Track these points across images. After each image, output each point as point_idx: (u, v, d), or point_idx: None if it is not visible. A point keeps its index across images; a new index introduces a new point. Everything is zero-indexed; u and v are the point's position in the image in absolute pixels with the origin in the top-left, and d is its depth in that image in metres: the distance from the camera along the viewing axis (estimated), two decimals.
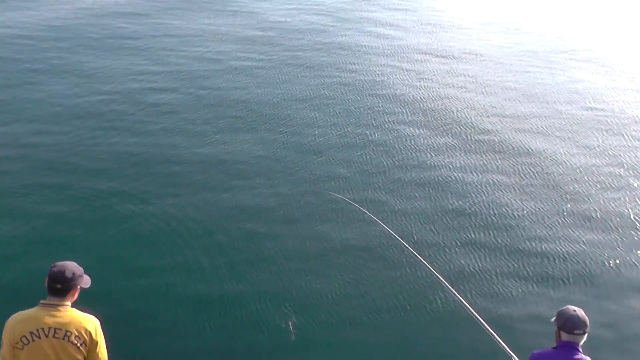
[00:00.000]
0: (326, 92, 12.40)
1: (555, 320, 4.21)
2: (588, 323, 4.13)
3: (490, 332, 4.53)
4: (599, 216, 8.94)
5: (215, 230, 8.32)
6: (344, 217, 8.62)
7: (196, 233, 8.24)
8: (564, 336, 4.14)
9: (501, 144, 10.78)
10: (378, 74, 13.36)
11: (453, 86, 13.01)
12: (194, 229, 8.31)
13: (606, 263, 8.01)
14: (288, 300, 7.15)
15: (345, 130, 10.98)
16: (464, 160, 10.17)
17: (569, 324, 4.10)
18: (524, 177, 9.83)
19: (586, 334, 4.13)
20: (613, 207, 9.14)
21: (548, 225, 8.70)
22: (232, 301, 7.15)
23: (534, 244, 8.30)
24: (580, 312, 4.15)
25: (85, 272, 4.14)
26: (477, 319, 4.71)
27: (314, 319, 6.93)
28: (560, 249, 8.24)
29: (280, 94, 12.30)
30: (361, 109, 11.74)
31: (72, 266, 4.08)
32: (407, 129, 11.08)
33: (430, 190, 9.35)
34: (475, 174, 9.79)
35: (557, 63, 14.57)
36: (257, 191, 9.16)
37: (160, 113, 11.30)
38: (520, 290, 7.52)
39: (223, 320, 6.89)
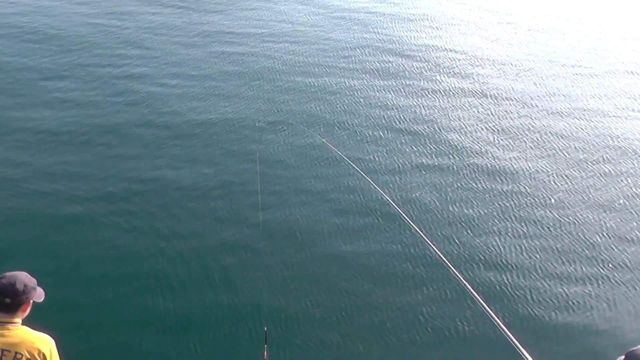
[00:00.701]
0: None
1: None
2: None
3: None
4: None
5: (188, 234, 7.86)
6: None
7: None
8: None
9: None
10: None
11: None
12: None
13: None
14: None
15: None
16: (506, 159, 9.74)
17: None
18: (561, 191, 9.36)
19: None
20: None
21: (591, 244, 8.29)
22: (209, 313, 6.69)
23: (573, 264, 7.92)
24: None
25: (39, 284, 3.62)
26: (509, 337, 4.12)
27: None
28: (604, 270, 7.86)
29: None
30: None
31: (23, 277, 3.55)
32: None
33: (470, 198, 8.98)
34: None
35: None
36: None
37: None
38: (557, 311, 7.18)
39: (197, 337, 6.37)
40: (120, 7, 14.76)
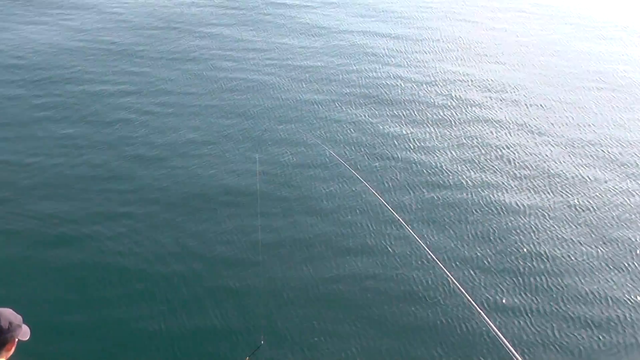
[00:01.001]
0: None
1: None
2: None
3: None
4: None
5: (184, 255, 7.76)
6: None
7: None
8: None
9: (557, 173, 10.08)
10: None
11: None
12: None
13: None
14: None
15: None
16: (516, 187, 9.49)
17: None
18: (583, 210, 9.18)
19: None
20: None
21: (612, 267, 8.11)
22: (208, 329, 6.60)
23: (591, 289, 7.73)
24: None
25: (24, 322, 3.44)
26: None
27: None
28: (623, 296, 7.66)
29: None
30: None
31: (8, 314, 3.38)
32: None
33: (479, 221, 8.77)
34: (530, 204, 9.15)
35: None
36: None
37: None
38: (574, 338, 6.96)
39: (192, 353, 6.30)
40: (107, 23, 14.95)
